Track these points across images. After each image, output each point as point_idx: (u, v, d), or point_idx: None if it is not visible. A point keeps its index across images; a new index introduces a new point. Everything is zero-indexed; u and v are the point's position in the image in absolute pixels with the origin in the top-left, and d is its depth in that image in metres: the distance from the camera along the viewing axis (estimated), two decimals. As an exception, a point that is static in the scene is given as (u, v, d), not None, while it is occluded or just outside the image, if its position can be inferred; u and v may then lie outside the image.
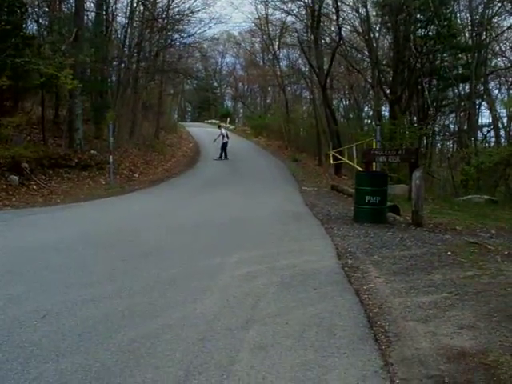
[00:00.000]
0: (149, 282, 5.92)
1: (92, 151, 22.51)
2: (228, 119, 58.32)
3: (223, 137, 29.13)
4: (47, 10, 23.58)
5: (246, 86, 69.11)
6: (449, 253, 7.79)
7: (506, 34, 30.07)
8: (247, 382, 3.37)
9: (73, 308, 4.79)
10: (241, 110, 74.06)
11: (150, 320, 4.52)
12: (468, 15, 28.99)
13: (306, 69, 38.51)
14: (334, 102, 40.01)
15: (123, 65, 30.40)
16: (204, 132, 42.18)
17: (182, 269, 6.64)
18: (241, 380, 3.39)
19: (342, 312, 4.98)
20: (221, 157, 28.63)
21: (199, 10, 49.07)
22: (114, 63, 30.22)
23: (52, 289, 5.51)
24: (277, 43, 42.28)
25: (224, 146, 28.98)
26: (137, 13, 30.80)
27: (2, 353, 3.68)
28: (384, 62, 30.04)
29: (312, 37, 29.06)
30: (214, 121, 58.74)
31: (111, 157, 19.44)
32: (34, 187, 17.63)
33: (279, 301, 5.26)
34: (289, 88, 46.98)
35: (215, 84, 72.06)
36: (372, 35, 28.54)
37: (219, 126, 33.04)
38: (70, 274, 6.24)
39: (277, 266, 6.82)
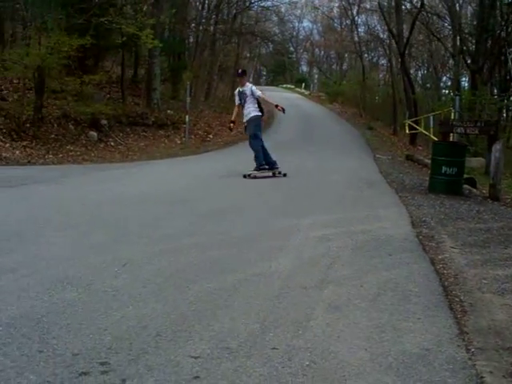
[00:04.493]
0: (224, 238, 6.02)
1: (168, 111, 22.85)
2: (303, 84, 57.97)
3: (246, 100, 12.23)
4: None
5: (322, 52, 68.50)
6: (528, 229, 7.61)
7: None
8: (322, 338, 3.41)
9: (151, 258, 4.92)
10: (316, 76, 73.56)
11: (226, 274, 4.60)
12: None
13: (385, 36, 37.82)
14: (412, 71, 39.19)
15: (201, 27, 30.54)
16: (278, 97, 41.92)
17: (256, 228, 6.72)
18: (316, 336, 3.43)
19: (416, 279, 4.94)
20: (260, 166, 11.98)
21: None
22: (193, 25, 30.40)
23: (131, 240, 5.68)
24: (356, 8, 41.61)
25: (255, 130, 12.29)
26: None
27: (86, 296, 3.83)
28: (466, 31, 29.10)
29: (393, 2, 28.39)
30: (288, 85, 58.56)
31: (187, 117, 19.67)
32: (112, 144, 18.08)
33: (354, 264, 5.26)
34: (366, 55, 46.29)
35: (291, 49, 71.54)
36: (455, 1, 27.62)
37: (242, 73, 13.16)
38: (148, 227, 6.40)
39: (351, 231, 6.80)
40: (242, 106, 12.49)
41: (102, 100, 20.12)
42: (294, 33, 68.63)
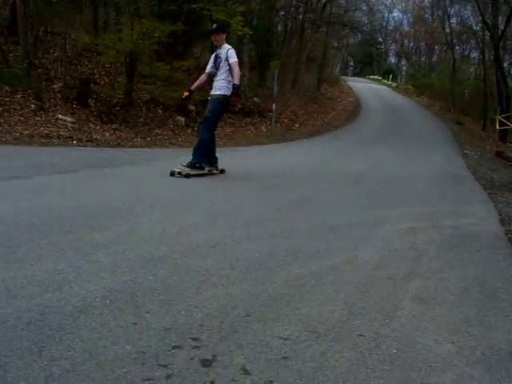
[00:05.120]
0: (311, 226, 6.07)
1: (255, 98, 23.00)
2: (391, 76, 57.13)
3: (219, 67, 9.24)
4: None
5: (411, 43, 67.18)
6: None
7: None
8: (409, 328, 3.40)
9: (240, 242, 5.01)
10: (404, 68, 72.29)
11: (314, 260, 4.64)
12: None
13: (478, 27, 36.74)
14: (505, 64, 37.95)
15: (290, 15, 30.57)
16: (366, 87, 41.73)
17: (343, 217, 6.74)
18: (403, 326, 3.43)
19: (505, 276, 4.85)
20: (196, 163, 9.15)
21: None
22: (282, 13, 30.45)
23: (218, 223, 5.78)
24: (449, -2, 40.65)
25: (213, 113, 9.35)
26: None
27: (177, 274, 3.94)
28: None
29: (489, -9, 27.55)
30: (375, 77, 57.86)
31: (274, 105, 19.75)
32: (199, 129, 18.34)
33: (441, 258, 5.20)
34: (457, 47, 45.14)
35: (380, 39, 70.57)
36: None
37: (218, 28, 9.63)
38: (235, 212, 6.53)
39: (438, 225, 6.74)
40: (215, 74, 9.38)
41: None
42: (384, 23, 67.73)
